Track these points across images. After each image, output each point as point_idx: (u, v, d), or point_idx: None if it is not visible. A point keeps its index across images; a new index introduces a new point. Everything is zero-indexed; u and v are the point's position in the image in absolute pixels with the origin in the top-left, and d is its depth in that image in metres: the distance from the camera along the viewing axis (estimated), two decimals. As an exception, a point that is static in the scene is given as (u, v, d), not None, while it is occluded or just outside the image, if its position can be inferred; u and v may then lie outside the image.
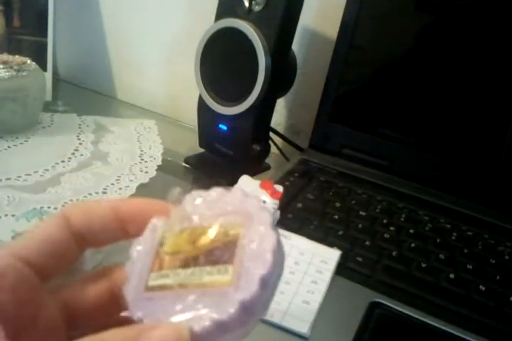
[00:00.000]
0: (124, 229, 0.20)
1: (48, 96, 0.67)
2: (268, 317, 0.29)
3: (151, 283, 0.17)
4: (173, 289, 0.17)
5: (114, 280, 0.20)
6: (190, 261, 0.17)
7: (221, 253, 0.17)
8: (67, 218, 0.19)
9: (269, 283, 0.16)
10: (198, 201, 0.19)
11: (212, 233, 0.18)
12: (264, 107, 0.50)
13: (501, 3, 0.44)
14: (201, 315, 0.16)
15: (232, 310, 0.15)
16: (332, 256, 0.35)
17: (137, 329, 0.16)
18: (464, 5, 0.47)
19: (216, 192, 0.19)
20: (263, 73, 0.46)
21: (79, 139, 0.60)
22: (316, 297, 0.31)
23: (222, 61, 0.51)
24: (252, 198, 0.19)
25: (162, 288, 0.17)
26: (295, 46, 0.52)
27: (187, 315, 0.16)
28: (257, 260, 0.16)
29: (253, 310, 0.16)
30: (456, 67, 0.48)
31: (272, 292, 0.17)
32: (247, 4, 0.47)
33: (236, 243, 0.17)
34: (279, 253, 0.17)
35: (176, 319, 0.16)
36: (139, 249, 0.19)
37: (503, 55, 0.45)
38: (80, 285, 0.20)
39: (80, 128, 0.63)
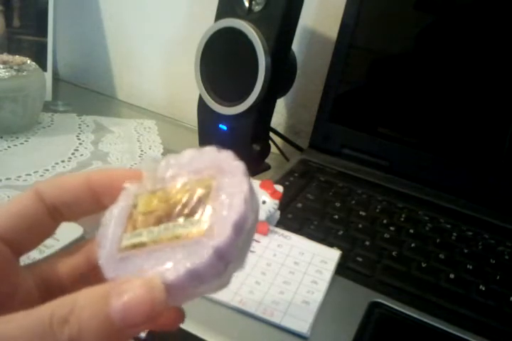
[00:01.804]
0: (98, 201, 0.19)
1: (48, 96, 0.67)
2: (268, 317, 0.29)
3: (125, 243, 0.17)
4: (147, 246, 0.16)
5: (90, 252, 0.20)
6: (163, 218, 0.17)
7: (194, 206, 0.17)
8: (40, 192, 0.19)
9: (242, 229, 0.16)
10: (171, 162, 0.19)
11: (184, 189, 0.17)
12: (264, 107, 0.51)
13: (501, 3, 0.45)
14: (175, 264, 0.15)
15: (205, 256, 0.15)
16: (332, 256, 0.35)
17: (107, 286, 0.15)
18: (463, 5, 0.47)
19: (189, 153, 0.19)
20: (263, 73, 0.46)
21: (79, 139, 0.60)
22: (316, 297, 0.31)
23: (222, 61, 0.51)
24: (225, 153, 0.18)
25: (136, 246, 0.17)
26: (295, 46, 0.52)
27: (161, 268, 0.16)
28: (230, 207, 0.16)
29: (228, 258, 0.16)
30: (456, 67, 0.48)
31: (247, 241, 0.17)
32: (247, 4, 0.47)
33: (208, 195, 0.17)
34: (251, 200, 0.17)
35: (150, 272, 0.16)
36: (111, 213, 0.18)
37: (503, 54, 0.45)
38: (56, 258, 0.20)
39: (80, 128, 0.63)
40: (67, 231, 0.38)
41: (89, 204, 0.20)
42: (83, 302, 0.14)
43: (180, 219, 0.16)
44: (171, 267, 0.15)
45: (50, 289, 0.20)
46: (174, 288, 0.15)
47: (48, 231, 0.20)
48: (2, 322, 0.14)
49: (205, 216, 0.16)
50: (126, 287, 0.15)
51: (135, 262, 0.16)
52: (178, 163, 0.19)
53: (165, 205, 0.17)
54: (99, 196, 0.19)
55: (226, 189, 0.17)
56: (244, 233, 0.16)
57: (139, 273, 0.16)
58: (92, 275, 0.20)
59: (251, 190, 0.17)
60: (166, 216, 0.17)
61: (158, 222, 0.17)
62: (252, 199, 0.17)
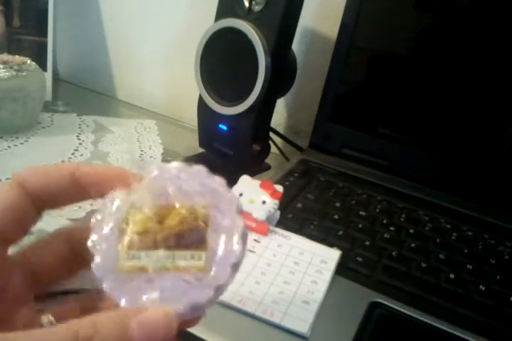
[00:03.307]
0: (83, 193, 0.20)
1: (48, 96, 0.67)
2: (268, 317, 0.29)
3: (123, 262, 0.18)
4: (146, 271, 0.18)
5: (72, 241, 0.21)
6: (160, 243, 0.18)
7: (191, 237, 0.18)
8: (22, 181, 0.19)
9: (238, 268, 0.18)
10: (162, 176, 0.19)
11: (179, 214, 0.18)
12: (264, 107, 0.50)
13: (501, 3, 0.45)
14: (182, 298, 0.17)
15: (210, 295, 0.17)
16: (332, 256, 0.35)
17: (126, 313, 0.16)
18: (463, 5, 0.47)
19: (178, 167, 0.19)
20: (263, 73, 0.46)
21: (79, 139, 0.60)
22: (316, 297, 0.31)
23: (222, 61, 0.51)
24: (216, 178, 0.19)
25: (135, 269, 0.18)
26: (295, 46, 0.52)
27: (167, 298, 0.17)
28: (228, 248, 0.18)
29: (223, 291, 0.18)
30: (456, 67, 0.48)
31: (237, 271, 0.19)
32: (247, 4, 0.47)
33: (204, 227, 0.18)
34: (245, 238, 0.18)
35: (157, 301, 0.17)
36: (100, 220, 0.19)
37: (503, 54, 0.45)
38: (41, 247, 0.21)
39: (80, 128, 0.63)
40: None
41: (74, 195, 0.20)
42: (106, 324, 0.16)
43: (180, 250, 0.18)
44: (179, 301, 0.17)
45: (37, 280, 0.20)
46: (180, 319, 0.17)
47: (32, 221, 0.20)
48: (22, 336, 0.15)
49: (204, 253, 0.18)
50: (145, 317, 0.16)
51: (137, 286, 0.18)
52: (169, 176, 0.19)
53: (160, 228, 0.18)
54: (85, 189, 0.20)
55: (223, 226, 0.18)
56: (237, 269, 0.18)
57: (145, 298, 0.17)
58: (74, 264, 0.21)
59: (245, 228, 0.18)
60: (163, 240, 0.18)
61: (156, 245, 0.18)
62: (245, 236, 0.18)
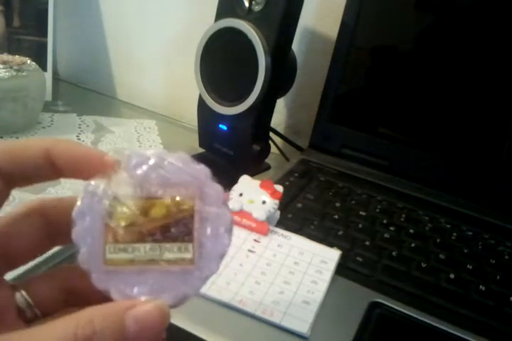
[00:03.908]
0: (57, 171, 0.19)
1: (48, 96, 0.67)
2: (268, 317, 0.29)
3: (110, 256, 0.18)
4: (134, 264, 0.18)
5: (49, 212, 0.20)
6: (146, 236, 0.18)
7: (177, 229, 0.18)
8: None
9: (224, 257, 0.18)
10: (142, 164, 0.18)
11: (164, 206, 0.18)
12: (264, 107, 0.51)
13: (501, 3, 0.45)
14: (171, 290, 0.18)
15: (200, 286, 0.18)
16: (332, 256, 0.35)
17: (120, 308, 0.16)
18: (464, 5, 0.47)
19: (159, 155, 0.19)
20: (263, 73, 0.46)
21: (79, 139, 0.60)
22: (316, 297, 0.31)
23: (222, 61, 0.51)
24: (199, 167, 0.19)
25: (123, 262, 0.18)
26: (295, 46, 0.52)
27: (157, 291, 0.17)
28: (215, 240, 0.18)
29: (208, 280, 0.18)
30: (456, 67, 0.48)
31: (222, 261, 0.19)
32: (247, 4, 0.47)
33: (191, 219, 0.18)
34: (231, 230, 0.19)
35: (146, 294, 0.17)
36: (82, 211, 0.18)
37: (503, 55, 0.45)
38: (15, 224, 0.20)
39: (80, 128, 0.63)
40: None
41: (47, 173, 0.19)
42: (102, 322, 0.16)
43: (167, 243, 0.18)
44: (169, 293, 0.18)
45: (10, 258, 0.19)
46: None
47: (4, 199, 0.19)
48: (26, 333, 0.15)
49: (191, 245, 0.18)
50: (139, 311, 0.16)
51: (125, 279, 0.18)
52: (148, 164, 0.18)
53: (145, 220, 0.18)
54: (60, 169, 0.19)
55: (210, 220, 0.18)
56: (223, 258, 0.18)
57: (136, 291, 0.17)
58: (49, 238, 0.20)
59: (232, 221, 0.19)
60: (149, 233, 0.18)
61: (141, 238, 0.18)
62: (231, 228, 0.19)
